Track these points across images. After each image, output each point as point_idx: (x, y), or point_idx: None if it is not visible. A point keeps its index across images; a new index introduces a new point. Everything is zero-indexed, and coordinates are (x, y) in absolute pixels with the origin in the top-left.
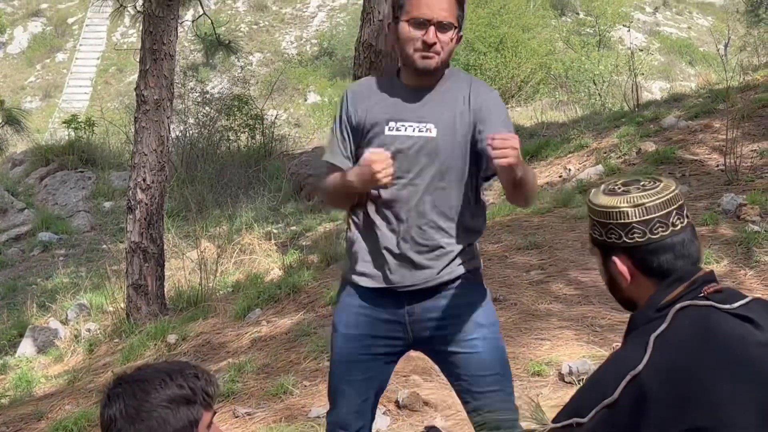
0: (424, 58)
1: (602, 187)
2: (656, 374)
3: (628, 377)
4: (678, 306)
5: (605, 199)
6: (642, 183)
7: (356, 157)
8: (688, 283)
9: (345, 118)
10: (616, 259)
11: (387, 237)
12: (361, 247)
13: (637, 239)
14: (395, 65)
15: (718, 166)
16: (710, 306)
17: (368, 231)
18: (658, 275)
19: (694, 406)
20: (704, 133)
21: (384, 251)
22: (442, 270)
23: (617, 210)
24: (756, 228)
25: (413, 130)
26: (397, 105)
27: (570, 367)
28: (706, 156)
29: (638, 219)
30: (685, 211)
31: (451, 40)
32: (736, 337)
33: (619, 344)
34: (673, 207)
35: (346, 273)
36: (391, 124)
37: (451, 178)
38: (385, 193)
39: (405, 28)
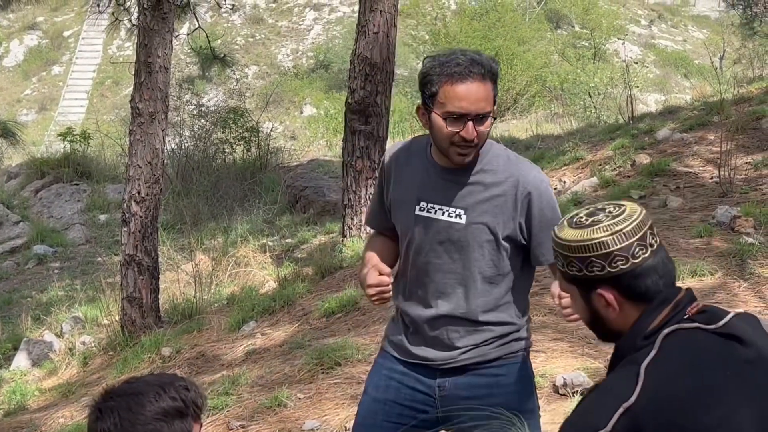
0: (461, 154)
1: (566, 221)
2: (649, 406)
3: (620, 410)
4: (666, 331)
5: (576, 232)
6: (608, 210)
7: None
8: (673, 306)
9: (383, 183)
10: (601, 291)
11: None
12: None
13: (621, 266)
14: (427, 137)
15: (712, 178)
16: (697, 328)
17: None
18: (646, 300)
19: None
20: (699, 145)
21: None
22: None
23: (595, 241)
24: (750, 240)
25: (442, 214)
26: (428, 186)
27: (564, 379)
28: (700, 168)
29: (618, 246)
30: (655, 231)
31: (489, 126)
32: (725, 359)
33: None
34: (646, 228)
35: (383, 339)
36: (422, 204)
37: (479, 260)
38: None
39: (440, 122)
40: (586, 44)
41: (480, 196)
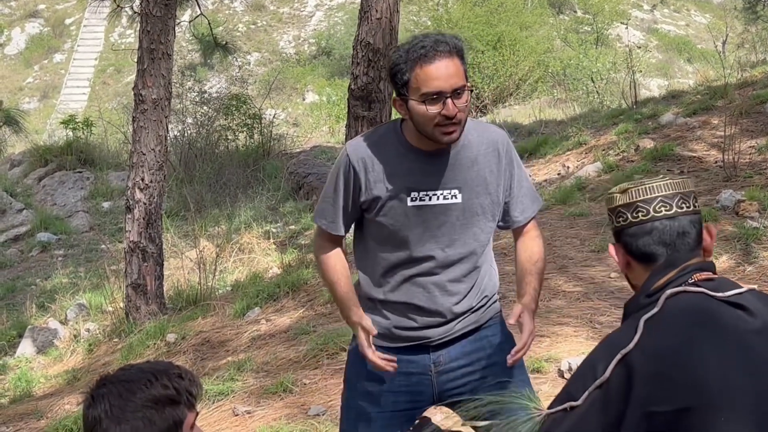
0: (446, 133)
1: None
2: (643, 353)
3: (618, 356)
4: (669, 291)
5: (615, 189)
6: (655, 178)
7: (360, 221)
8: (678, 270)
9: (350, 187)
10: (611, 245)
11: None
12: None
13: (621, 222)
14: (390, 124)
15: (716, 162)
16: (702, 293)
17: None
18: (643, 259)
19: (682, 386)
20: (702, 129)
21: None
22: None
23: (610, 197)
24: (755, 224)
25: (437, 198)
26: (415, 173)
27: (569, 363)
28: (704, 152)
29: (623, 203)
30: (675, 201)
31: (467, 100)
32: (729, 323)
33: None
34: (657, 194)
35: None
36: (413, 194)
37: (479, 234)
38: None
39: (419, 107)
40: (589, 29)
41: (470, 172)
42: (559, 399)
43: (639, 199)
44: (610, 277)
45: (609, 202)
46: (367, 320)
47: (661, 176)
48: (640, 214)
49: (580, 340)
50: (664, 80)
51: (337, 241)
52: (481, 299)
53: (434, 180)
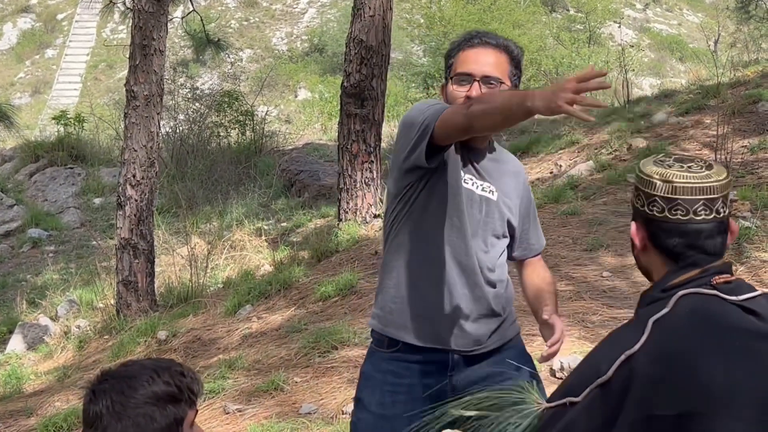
0: None
1: (651, 159)
2: (648, 356)
3: (622, 357)
4: (682, 292)
5: (649, 167)
6: (690, 164)
7: (416, 182)
8: (700, 271)
9: None
10: (634, 223)
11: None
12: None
13: (656, 213)
14: None
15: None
16: (715, 296)
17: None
18: (667, 254)
19: (685, 391)
20: (695, 129)
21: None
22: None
23: (649, 179)
24: (747, 224)
25: (479, 189)
26: (461, 159)
27: (561, 362)
28: (696, 152)
29: (662, 195)
30: (716, 206)
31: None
32: (737, 327)
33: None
34: (701, 196)
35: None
36: (465, 176)
37: (495, 237)
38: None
39: (450, 87)
40: (581, 28)
41: (504, 180)
42: (559, 393)
43: (682, 197)
44: (602, 276)
45: (645, 185)
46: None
47: (705, 163)
48: (678, 212)
49: (572, 339)
50: (656, 79)
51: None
52: (504, 316)
53: (476, 172)
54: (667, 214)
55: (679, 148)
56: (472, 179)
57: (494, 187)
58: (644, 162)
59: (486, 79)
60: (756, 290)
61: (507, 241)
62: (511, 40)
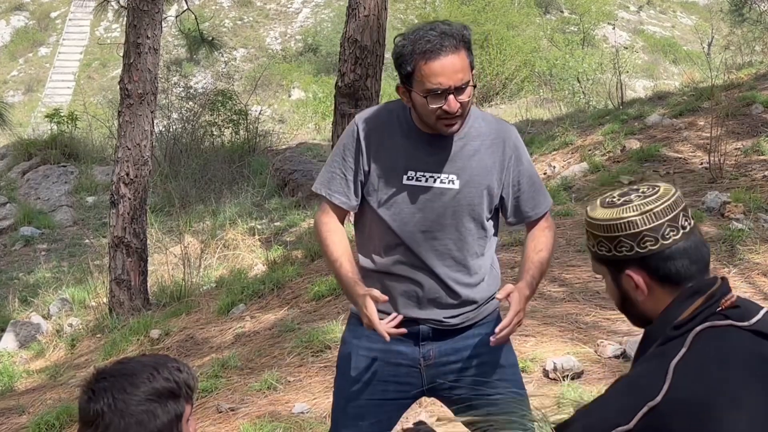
0: (447, 125)
1: (598, 201)
2: (675, 407)
3: (645, 408)
4: (698, 329)
5: (606, 212)
6: (641, 190)
7: (361, 198)
8: (706, 297)
9: (354, 157)
10: (630, 272)
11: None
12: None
13: (650, 247)
14: (399, 102)
15: (702, 163)
16: (730, 326)
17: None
18: (675, 283)
19: None
20: (688, 130)
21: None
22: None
23: (624, 220)
24: (740, 226)
25: (434, 182)
26: (416, 154)
27: (554, 363)
28: (690, 154)
29: (648, 226)
30: (690, 213)
31: (469, 94)
32: (753, 359)
33: (605, 343)
34: (678, 209)
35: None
36: (410, 173)
37: (470, 223)
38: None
39: (421, 100)
40: (575, 29)
41: (471, 161)
42: (573, 430)
43: (666, 219)
44: (595, 278)
45: (627, 228)
46: (374, 290)
47: (645, 185)
48: (671, 234)
49: (565, 340)
50: (650, 81)
51: (339, 214)
52: (482, 294)
53: (434, 163)
54: (662, 241)
55: (672, 150)
56: (424, 175)
57: (456, 175)
58: (596, 212)
59: (458, 90)
60: (760, 308)
61: (490, 223)
62: (457, 22)
